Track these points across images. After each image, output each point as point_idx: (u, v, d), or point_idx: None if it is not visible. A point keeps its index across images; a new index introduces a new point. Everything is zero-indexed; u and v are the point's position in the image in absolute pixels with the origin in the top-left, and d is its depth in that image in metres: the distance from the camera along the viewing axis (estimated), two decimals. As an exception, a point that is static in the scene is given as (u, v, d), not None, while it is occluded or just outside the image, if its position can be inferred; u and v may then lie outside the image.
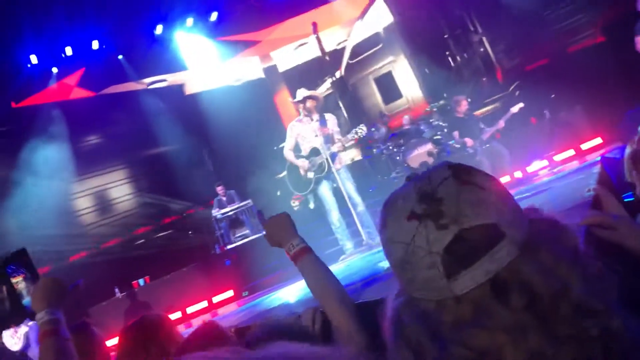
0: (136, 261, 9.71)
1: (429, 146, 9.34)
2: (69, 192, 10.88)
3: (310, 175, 6.80)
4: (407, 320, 0.80)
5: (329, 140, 6.70)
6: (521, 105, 8.50)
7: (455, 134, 8.71)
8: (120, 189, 11.44)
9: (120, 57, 10.76)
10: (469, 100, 8.94)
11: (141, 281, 8.62)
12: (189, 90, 11.86)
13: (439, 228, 0.74)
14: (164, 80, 11.47)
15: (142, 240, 10.56)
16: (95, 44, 10.28)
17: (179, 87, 11.73)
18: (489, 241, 0.73)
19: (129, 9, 9.86)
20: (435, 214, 0.74)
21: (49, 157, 10.10)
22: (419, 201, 0.77)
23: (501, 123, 8.43)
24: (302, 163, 6.80)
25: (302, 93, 6.75)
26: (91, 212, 11.16)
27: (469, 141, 8.48)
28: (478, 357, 0.72)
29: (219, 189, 9.62)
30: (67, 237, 9.97)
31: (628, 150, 1.92)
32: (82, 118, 10.77)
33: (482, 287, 0.73)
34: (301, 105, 6.69)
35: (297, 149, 6.93)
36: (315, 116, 6.67)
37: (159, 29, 10.62)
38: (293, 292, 5.90)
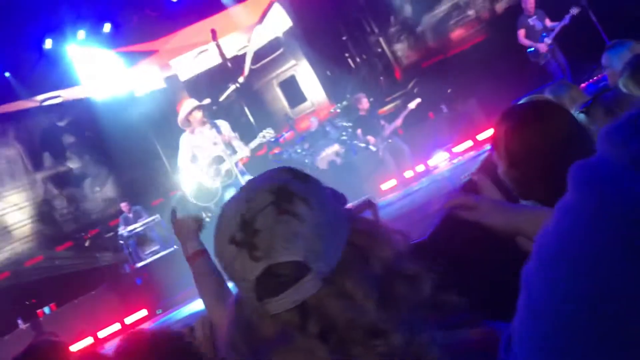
0: (39, 288, 9.18)
1: (335, 147, 9.51)
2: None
3: (217, 184, 6.69)
4: (234, 330, 0.86)
5: (228, 146, 6.61)
6: (418, 100, 8.84)
7: (359, 132, 8.91)
8: (17, 213, 10.76)
9: (7, 74, 10.15)
10: (371, 99, 9.18)
11: (46, 309, 8.19)
12: (87, 104, 11.37)
13: (252, 259, 0.79)
14: (58, 97, 10.94)
15: (45, 266, 9.98)
16: (-23, 62, 9.65)
17: (76, 102, 11.22)
18: (296, 275, 0.79)
19: (13, 23, 9.33)
20: (250, 245, 0.79)
21: None
22: (239, 228, 0.81)
23: (399, 121, 8.73)
24: (205, 178, 6.66)
25: (189, 105, 6.61)
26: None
27: (371, 139, 8.71)
28: None
29: (124, 206, 9.31)
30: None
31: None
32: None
33: (291, 311, 0.80)
34: (193, 116, 6.54)
35: (194, 161, 6.76)
36: (207, 125, 6.56)
37: (48, 43, 10.09)
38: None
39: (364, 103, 8.89)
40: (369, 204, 0.91)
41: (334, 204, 0.87)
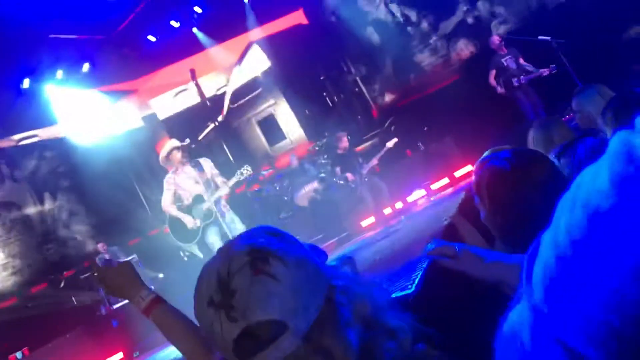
0: (11, 332, 8.91)
1: (314, 184, 9.56)
2: None
3: (198, 223, 6.69)
4: None
5: (210, 184, 6.65)
6: (395, 140, 8.96)
7: (337, 169, 8.95)
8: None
9: (-17, 114, 10.07)
10: (349, 137, 9.27)
11: (19, 354, 7.95)
12: (65, 143, 11.31)
13: (230, 320, 0.81)
14: (35, 136, 10.85)
15: (18, 308, 9.72)
16: (-47, 102, 9.56)
17: (53, 142, 11.15)
18: (273, 334, 0.81)
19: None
20: (227, 306, 0.81)
21: None
22: (216, 289, 0.83)
23: (375, 160, 8.82)
24: (187, 218, 6.67)
25: (171, 144, 6.66)
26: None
27: (350, 176, 8.76)
28: None
29: (100, 246, 9.18)
30: None
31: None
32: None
33: None
34: (174, 156, 6.57)
35: (177, 200, 6.78)
36: (189, 164, 6.59)
37: (25, 83, 10.06)
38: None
39: (344, 142, 8.94)
40: (348, 260, 0.96)
41: (312, 260, 0.89)
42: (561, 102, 8.72)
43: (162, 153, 6.70)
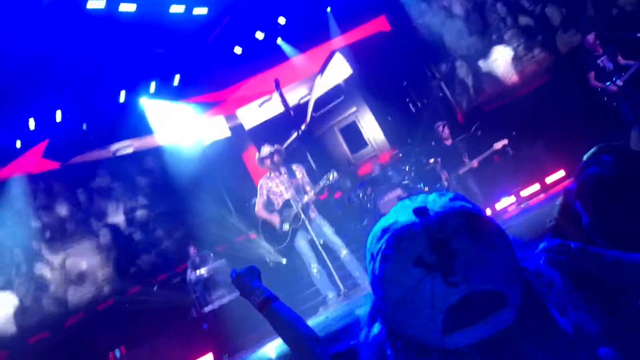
0: (111, 331, 9.40)
1: (398, 191, 9.45)
2: (36, 268, 10.58)
3: (286, 227, 6.83)
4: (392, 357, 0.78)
5: (299, 190, 6.78)
6: (505, 141, 8.60)
7: (438, 162, 8.80)
8: (90, 259, 11.17)
9: (84, 126, 10.73)
10: (446, 125, 9.08)
11: (117, 352, 8.36)
12: (157, 153, 11.85)
13: (448, 284, 0.71)
14: (130, 146, 11.44)
15: (116, 309, 10.24)
16: (58, 115, 10.24)
17: (146, 152, 11.71)
18: (492, 306, 0.72)
19: (91, 77, 9.90)
20: (446, 268, 0.71)
21: (15, 232, 9.87)
22: (430, 249, 0.72)
23: (475, 162, 8.57)
24: (275, 218, 6.83)
25: (266, 149, 6.84)
26: (60, 285, 10.83)
27: (444, 175, 8.60)
28: None
29: (192, 250, 9.51)
30: (32, 314, 9.65)
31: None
32: (49, 189, 10.64)
33: (473, 346, 0.72)
34: (268, 161, 6.77)
35: (269, 205, 6.98)
36: (283, 169, 6.78)
37: (122, 96, 10.66)
38: (273, 347, 5.78)
39: (440, 130, 8.85)
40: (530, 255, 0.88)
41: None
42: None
43: (257, 158, 6.95)
